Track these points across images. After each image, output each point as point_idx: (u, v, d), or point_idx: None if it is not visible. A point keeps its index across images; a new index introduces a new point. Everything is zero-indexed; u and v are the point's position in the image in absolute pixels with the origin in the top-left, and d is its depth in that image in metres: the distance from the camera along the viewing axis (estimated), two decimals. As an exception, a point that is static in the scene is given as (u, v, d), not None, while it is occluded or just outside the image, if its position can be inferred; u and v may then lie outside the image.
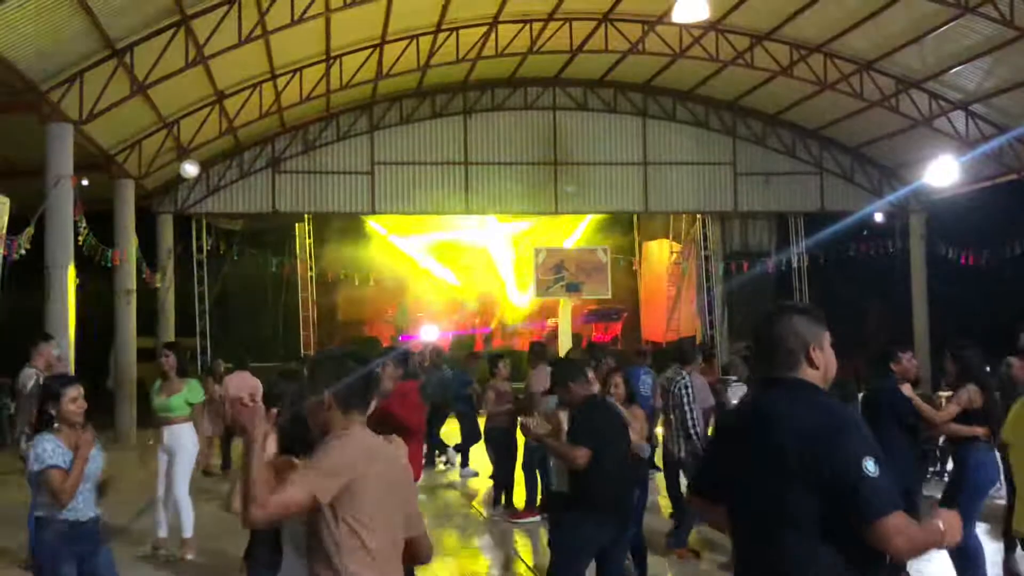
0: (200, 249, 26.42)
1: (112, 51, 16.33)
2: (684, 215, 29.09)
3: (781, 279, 28.79)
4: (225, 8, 16.60)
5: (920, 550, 3.21)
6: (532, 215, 28.18)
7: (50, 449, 5.87)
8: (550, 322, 29.08)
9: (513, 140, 26.26)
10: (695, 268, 29.43)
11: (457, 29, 21.22)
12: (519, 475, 11.90)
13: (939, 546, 3.21)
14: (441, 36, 21.27)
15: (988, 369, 8.50)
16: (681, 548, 9.63)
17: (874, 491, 3.04)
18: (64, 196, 16.33)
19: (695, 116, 26.84)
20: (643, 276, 31.44)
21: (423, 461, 11.34)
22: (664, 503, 11.44)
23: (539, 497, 11.12)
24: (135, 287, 21.66)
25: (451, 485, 14.60)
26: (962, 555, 7.54)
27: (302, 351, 26.63)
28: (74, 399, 6.05)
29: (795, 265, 28.74)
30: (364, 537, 3.55)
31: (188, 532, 9.77)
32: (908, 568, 7.37)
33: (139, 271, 21.85)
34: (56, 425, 5.98)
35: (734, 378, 13.79)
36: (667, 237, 30.28)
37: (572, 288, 26.71)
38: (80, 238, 17.41)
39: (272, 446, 4.95)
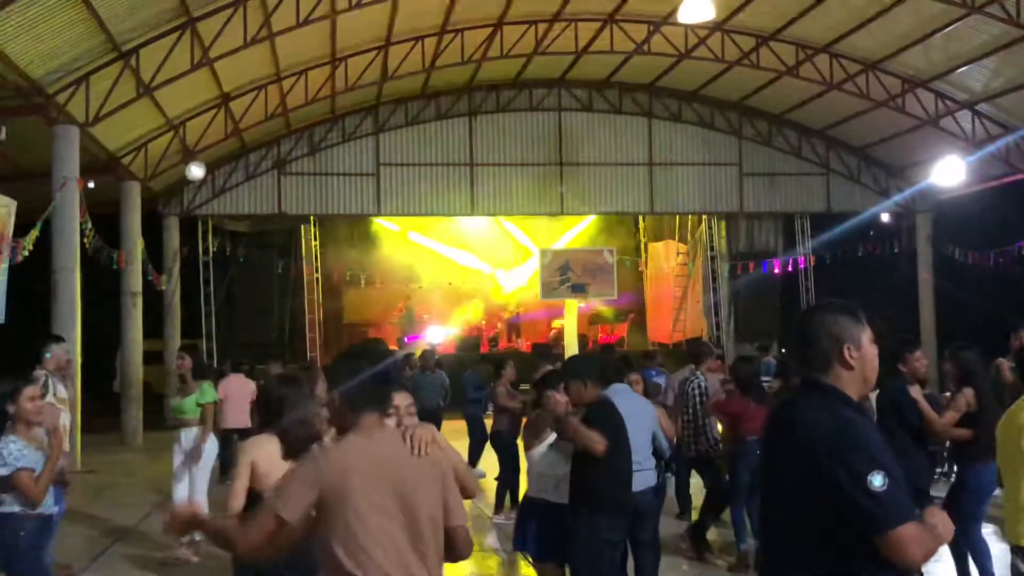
0: (206, 251, 26.41)
1: (118, 53, 16.36)
2: (690, 216, 29.05)
3: (787, 280, 28.74)
4: (231, 10, 16.62)
5: (932, 554, 3.15)
6: (537, 216, 28.14)
7: (16, 451, 5.91)
8: (556, 323, 29.02)
9: (518, 141, 26.27)
10: (701, 269, 29.37)
11: (462, 30, 21.23)
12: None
13: (941, 543, 3.17)
14: (446, 38, 21.27)
15: (984, 372, 8.46)
16: (700, 548, 9.69)
17: (881, 505, 2.99)
18: (70, 198, 16.35)
19: (700, 117, 26.82)
20: (649, 277, 31.39)
21: None
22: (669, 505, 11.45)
23: None
24: (141, 289, 21.68)
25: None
26: (969, 555, 7.54)
27: (308, 353, 26.61)
28: (31, 398, 6.09)
29: (801, 266, 28.68)
30: (357, 559, 3.40)
31: (198, 535, 9.77)
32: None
33: (145, 273, 21.87)
34: (10, 424, 6.00)
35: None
36: (673, 238, 30.24)
37: (577, 289, 26.66)
38: (86, 240, 17.42)
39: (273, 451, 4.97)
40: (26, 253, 15.03)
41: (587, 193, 26.46)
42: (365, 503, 3.44)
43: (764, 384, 11.14)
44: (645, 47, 22.01)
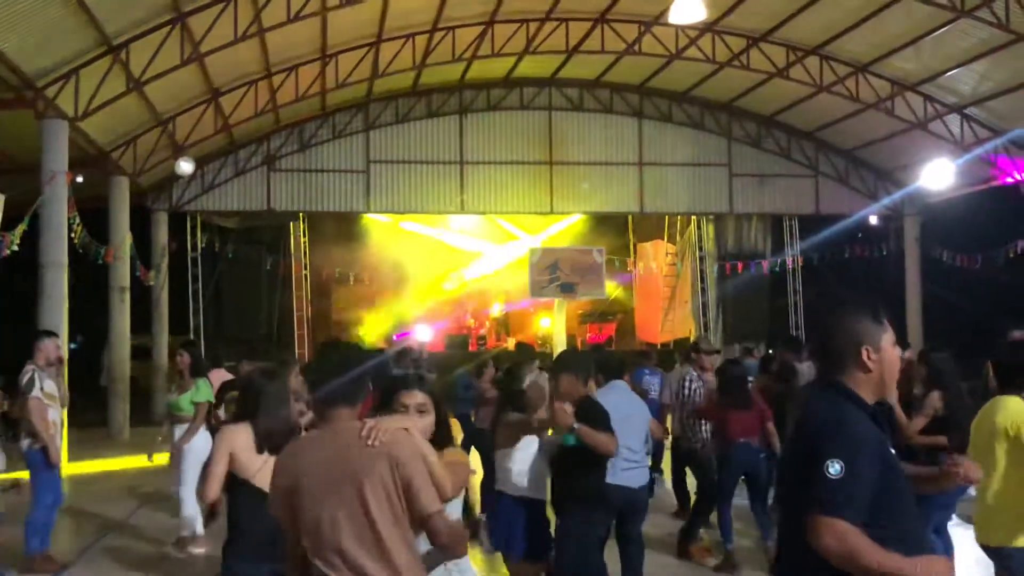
0: (194, 247, 26.34)
1: (108, 48, 16.31)
2: (679, 216, 29.10)
3: (776, 281, 28.83)
4: (221, 5, 16.58)
5: (862, 566, 3.00)
6: (527, 215, 28.16)
7: None
8: (544, 324, 29.06)
9: (509, 140, 26.27)
10: (690, 269, 29.43)
11: (453, 28, 21.21)
12: None
13: None
14: (437, 35, 21.25)
15: (954, 374, 8.42)
16: (696, 546, 9.75)
17: (824, 489, 2.98)
18: (59, 193, 16.28)
19: (691, 117, 26.86)
20: (638, 277, 31.43)
21: None
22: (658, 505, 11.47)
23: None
24: (129, 284, 21.62)
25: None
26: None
27: (296, 350, 26.58)
28: None
29: (790, 267, 28.77)
30: (310, 550, 3.60)
31: (185, 531, 9.77)
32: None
33: (133, 269, 21.81)
34: None
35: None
36: (662, 238, 30.28)
37: (566, 289, 26.69)
38: (74, 235, 17.37)
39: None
40: (14, 247, 14.98)
41: (577, 192, 26.46)
42: (311, 496, 3.58)
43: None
44: (636, 47, 22.02)
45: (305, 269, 28.72)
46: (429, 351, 20.91)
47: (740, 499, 9.76)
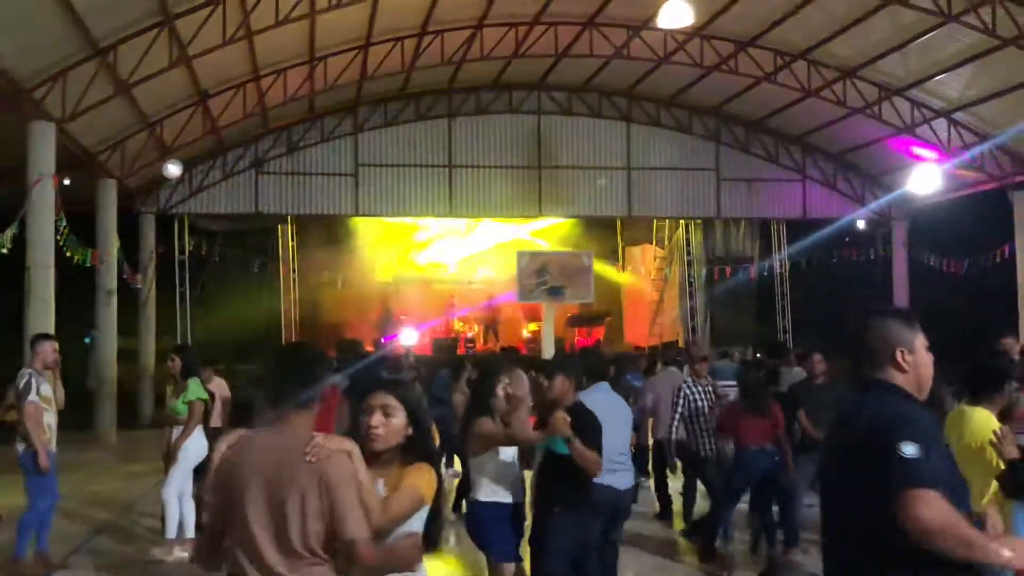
0: (182, 250, 26.28)
1: (96, 50, 16.25)
2: (667, 220, 29.16)
3: (763, 285, 28.91)
4: (209, 8, 16.55)
5: (955, 542, 2.97)
6: (516, 218, 28.19)
7: None
8: (532, 326, 29.07)
9: (498, 144, 26.29)
10: (678, 274, 29.48)
11: (442, 32, 21.21)
12: None
13: (993, 563, 3.04)
14: (426, 39, 21.25)
15: (938, 379, 8.46)
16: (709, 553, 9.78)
17: (905, 468, 3.00)
18: (46, 195, 16.23)
19: (679, 122, 26.91)
20: (626, 281, 31.47)
21: None
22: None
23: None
24: (116, 287, 21.55)
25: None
26: None
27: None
28: None
29: (777, 271, 28.87)
30: (234, 547, 3.67)
31: (170, 533, 9.73)
32: None
33: (120, 271, 21.75)
34: None
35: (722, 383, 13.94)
36: (650, 242, 30.32)
37: (555, 292, 26.67)
38: (60, 238, 17.32)
39: None
40: (3, 251, 14.94)
41: (565, 196, 26.48)
42: (243, 492, 3.64)
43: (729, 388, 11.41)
44: (624, 51, 22.06)
45: (293, 272, 28.68)
46: (417, 354, 20.91)
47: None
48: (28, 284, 16.17)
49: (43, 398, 8.90)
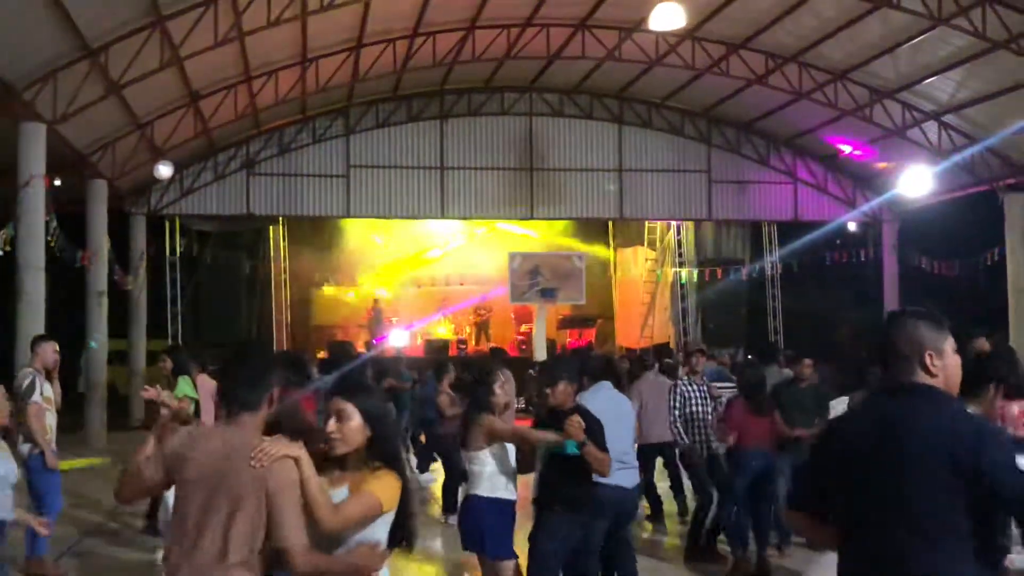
0: (173, 251, 26.25)
1: (87, 51, 16.20)
2: (659, 222, 29.20)
3: (754, 287, 28.95)
4: (201, 9, 16.52)
5: None
6: (508, 220, 28.21)
7: None
8: (524, 328, 29.08)
9: (489, 145, 26.31)
10: (669, 275, 29.52)
11: (434, 33, 21.21)
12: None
13: None
14: (418, 40, 21.24)
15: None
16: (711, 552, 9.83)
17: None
18: (36, 196, 16.18)
19: (670, 124, 26.94)
20: (618, 283, 31.50)
21: None
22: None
23: None
24: (107, 289, 21.50)
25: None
26: None
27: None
28: None
29: (768, 273, 28.92)
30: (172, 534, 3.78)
31: (164, 535, 9.69)
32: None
33: (111, 273, 21.69)
34: None
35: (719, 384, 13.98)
36: (642, 244, 30.36)
37: (547, 294, 26.70)
38: (51, 239, 17.26)
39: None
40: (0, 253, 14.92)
41: (557, 198, 26.49)
42: (185, 489, 3.72)
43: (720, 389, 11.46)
44: (616, 53, 22.07)
45: (284, 273, 28.65)
46: (408, 355, 20.94)
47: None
48: (19, 285, 16.13)
49: (45, 398, 8.91)
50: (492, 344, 28.14)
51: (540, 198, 26.40)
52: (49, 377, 9.15)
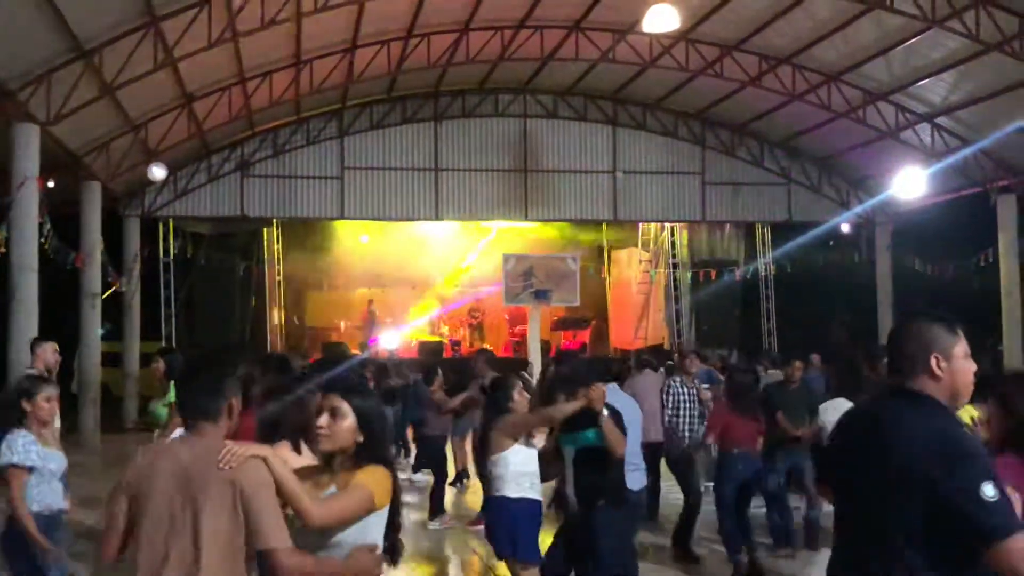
0: (167, 252, 26.19)
1: (80, 52, 16.18)
2: (653, 224, 29.21)
3: (748, 289, 28.97)
4: (195, 10, 16.50)
5: None
6: (502, 221, 28.20)
7: (21, 445, 5.95)
8: (518, 329, 29.07)
9: (484, 147, 26.32)
10: (663, 277, 29.54)
11: (428, 35, 21.20)
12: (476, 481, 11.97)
13: None
14: (412, 42, 21.23)
15: None
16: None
17: (993, 515, 2.93)
18: (30, 198, 16.16)
19: (664, 126, 26.97)
20: (611, 284, 31.52)
21: None
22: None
23: None
24: (101, 290, 21.46)
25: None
26: None
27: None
28: (48, 399, 6.14)
29: (762, 275, 28.94)
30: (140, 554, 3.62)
31: None
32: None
33: (105, 274, 21.65)
34: (25, 420, 6.02)
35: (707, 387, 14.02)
36: (636, 246, 30.37)
37: (541, 296, 26.66)
38: (44, 240, 17.23)
39: None
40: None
41: (551, 199, 26.50)
42: (151, 505, 3.62)
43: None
44: (610, 55, 22.09)
45: (278, 275, 28.62)
46: (401, 357, 20.92)
47: (708, 504, 9.84)
48: (12, 286, 16.10)
49: None
50: (485, 346, 28.24)
51: (534, 199, 26.42)
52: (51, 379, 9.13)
